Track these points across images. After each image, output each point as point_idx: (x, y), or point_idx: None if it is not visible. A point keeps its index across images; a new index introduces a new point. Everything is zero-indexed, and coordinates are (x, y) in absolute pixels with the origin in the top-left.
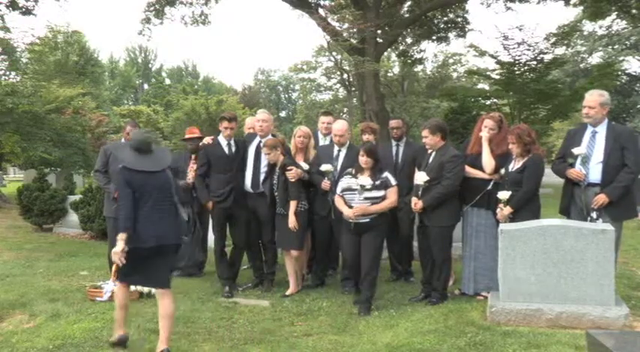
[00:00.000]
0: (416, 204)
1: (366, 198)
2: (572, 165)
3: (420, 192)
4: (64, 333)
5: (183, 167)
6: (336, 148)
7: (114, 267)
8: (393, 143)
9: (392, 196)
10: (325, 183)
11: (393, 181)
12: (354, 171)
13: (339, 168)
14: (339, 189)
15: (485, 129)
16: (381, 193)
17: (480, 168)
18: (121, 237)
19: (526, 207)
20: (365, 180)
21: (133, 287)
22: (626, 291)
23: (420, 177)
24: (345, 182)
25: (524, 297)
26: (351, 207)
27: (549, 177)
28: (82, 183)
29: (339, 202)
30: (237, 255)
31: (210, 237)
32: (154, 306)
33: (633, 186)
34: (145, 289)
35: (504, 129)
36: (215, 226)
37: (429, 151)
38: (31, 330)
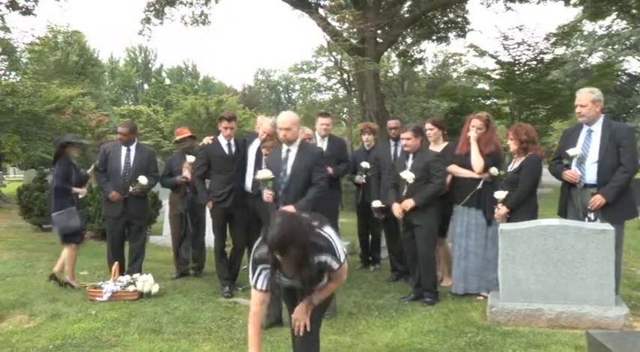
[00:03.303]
0: (405, 204)
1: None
2: (567, 166)
3: (405, 192)
4: (64, 333)
5: (178, 166)
6: (284, 148)
7: (114, 267)
8: (392, 143)
9: (341, 277)
10: (267, 194)
11: (335, 264)
12: (270, 264)
13: (288, 171)
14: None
15: (473, 128)
16: (322, 282)
17: (469, 167)
18: None
19: (523, 207)
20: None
21: (133, 288)
22: (626, 291)
23: (408, 175)
24: (261, 281)
25: (524, 297)
26: None
27: (549, 177)
28: None
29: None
30: (237, 255)
31: (210, 238)
32: (154, 306)
33: (632, 186)
34: (145, 289)
35: (492, 129)
36: (215, 226)
37: (407, 153)
38: (31, 330)
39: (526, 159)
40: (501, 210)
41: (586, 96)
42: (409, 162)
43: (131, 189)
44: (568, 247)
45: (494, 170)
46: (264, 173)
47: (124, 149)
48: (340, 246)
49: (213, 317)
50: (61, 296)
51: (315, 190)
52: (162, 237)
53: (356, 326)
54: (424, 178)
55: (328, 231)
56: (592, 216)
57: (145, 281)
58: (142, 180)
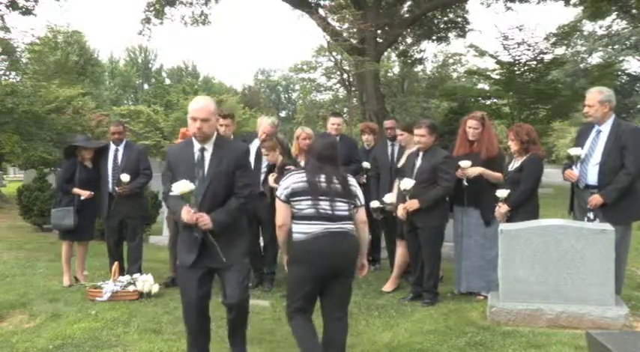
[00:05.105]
0: (410, 205)
1: None
2: (570, 166)
3: (407, 198)
4: (64, 333)
5: None
6: (196, 146)
7: (114, 267)
8: (389, 143)
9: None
10: (187, 213)
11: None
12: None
13: (205, 177)
14: None
15: (470, 129)
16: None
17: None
18: None
19: (524, 207)
20: None
21: (133, 288)
22: (626, 291)
23: (407, 184)
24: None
25: (524, 297)
26: None
27: (549, 177)
28: None
29: None
30: None
31: None
32: (154, 306)
33: (638, 187)
34: (145, 289)
35: (487, 127)
36: None
37: (417, 152)
38: (31, 330)
39: (527, 159)
40: (502, 207)
41: (593, 97)
42: (418, 161)
43: (117, 188)
44: (568, 247)
45: (465, 163)
46: (183, 186)
47: (112, 148)
48: (285, 190)
49: (214, 317)
50: (61, 296)
51: (236, 201)
52: (163, 237)
53: (356, 326)
54: (431, 179)
55: (288, 179)
56: (591, 215)
57: (145, 281)
58: (124, 177)
